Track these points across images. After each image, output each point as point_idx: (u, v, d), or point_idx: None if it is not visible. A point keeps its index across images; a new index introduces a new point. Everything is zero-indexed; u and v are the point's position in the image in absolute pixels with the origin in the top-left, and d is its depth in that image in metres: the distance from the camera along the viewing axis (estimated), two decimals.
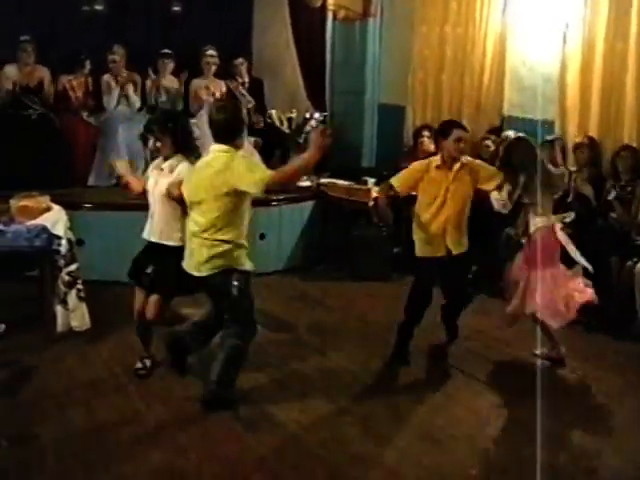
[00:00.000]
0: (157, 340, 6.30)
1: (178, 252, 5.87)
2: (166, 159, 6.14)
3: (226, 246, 5.58)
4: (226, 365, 5.70)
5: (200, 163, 5.79)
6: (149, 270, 6.14)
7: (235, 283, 5.63)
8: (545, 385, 5.94)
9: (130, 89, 10.55)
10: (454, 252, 6.58)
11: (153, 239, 6.20)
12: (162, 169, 6.14)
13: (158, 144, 6.10)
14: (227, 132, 5.63)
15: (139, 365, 6.35)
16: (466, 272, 7.15)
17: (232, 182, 5.41)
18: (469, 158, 6.72)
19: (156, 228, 6.17)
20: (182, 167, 6.03)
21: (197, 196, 5.60)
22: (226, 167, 5.45)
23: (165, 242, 6.12)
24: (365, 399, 6.02)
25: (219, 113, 5.67)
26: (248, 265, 5.75)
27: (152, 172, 6.28)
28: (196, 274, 5.68)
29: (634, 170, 8.07)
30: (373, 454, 5.18)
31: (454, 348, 7.02)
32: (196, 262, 5.65)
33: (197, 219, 5.62)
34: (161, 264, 6.09)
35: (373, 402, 5.97)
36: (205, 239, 5.57)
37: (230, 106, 5.98)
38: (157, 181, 6.13)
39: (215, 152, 5.63)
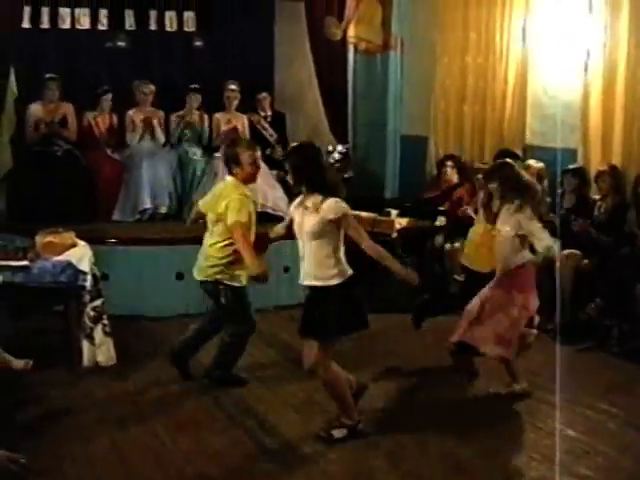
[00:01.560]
0: None
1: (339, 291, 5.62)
2: (308, 196, 5.63)
3: (219, 262, 6.41)
4: (222, 350, 6.68)
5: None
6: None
7: (223, 294, 6.45)
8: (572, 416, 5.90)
9: (155, 125, 10.64)
10: None
11: (307, 282, 5.71)
12: (307, 207, 5.60)
13: (289, 178, 5.79)
14: (229, 165, 6.51)
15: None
16: None
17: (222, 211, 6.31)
18: None
19: (308, 270, 5.66)
20: (329, 203, 5.51)
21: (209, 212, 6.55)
22: (227, 196, 6.32)
23: (322, 284, 5.63)
24: (392, 431, 5.97)
25: (227, 148, 6.68)
26: (237, 282, 6.46)
27: (296, 209, 5.78)
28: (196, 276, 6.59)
29: None
30: None
31: (480, 378, 6.99)
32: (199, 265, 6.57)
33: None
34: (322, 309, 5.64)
35: (400, 434, 5.92)
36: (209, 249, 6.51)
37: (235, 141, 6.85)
38: (303, 221, 5.63)
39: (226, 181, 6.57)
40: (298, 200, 5.75)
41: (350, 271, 5.71)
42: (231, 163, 6.48)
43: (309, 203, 5.56)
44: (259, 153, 6.73)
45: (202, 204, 6.69)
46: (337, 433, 5.74)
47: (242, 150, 6.47)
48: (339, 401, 5.81)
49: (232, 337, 6.64)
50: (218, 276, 6.43)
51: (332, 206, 5.48)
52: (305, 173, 5.59)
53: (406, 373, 7.18)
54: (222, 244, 6.40)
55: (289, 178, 5.75)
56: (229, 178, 6.51)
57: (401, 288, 9.21)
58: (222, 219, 6.31)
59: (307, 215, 5.56)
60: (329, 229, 5.52)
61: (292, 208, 5.86)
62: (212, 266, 6.44)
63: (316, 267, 5.59)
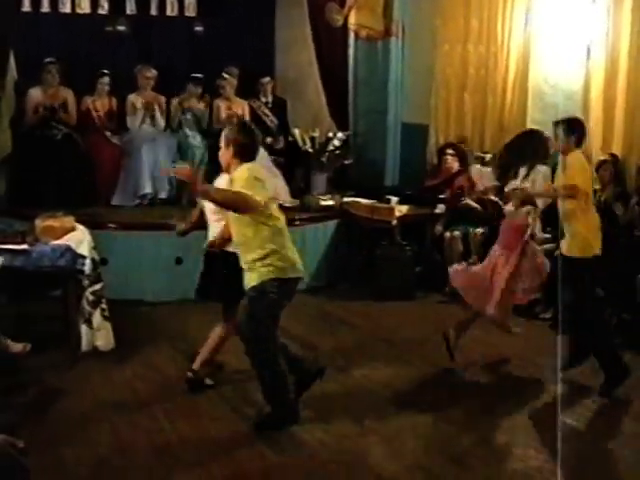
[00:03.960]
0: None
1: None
2: None
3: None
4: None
5: None
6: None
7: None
8: (569, 405, 5.91)
9: (156, 109, 10.62)
10: None
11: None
12: None
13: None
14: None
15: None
16: None
17: None
18: None
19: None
20: None
21: None
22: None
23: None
24: (390, 419, 5.97)
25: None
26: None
27: None
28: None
29: None
30: (399, 475, 5.13)
31: (482, 367, 7.00)
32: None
33: None
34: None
35: (398, 422, 5.93)
36: None
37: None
38: None
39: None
40: None
41: None
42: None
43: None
44: None
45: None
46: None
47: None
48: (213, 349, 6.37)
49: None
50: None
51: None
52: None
53: (404, 361, 7.17)
54: None
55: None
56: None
57: (400, 275, 9.33)
58: None
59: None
60: None
61: None
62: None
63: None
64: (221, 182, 5.90)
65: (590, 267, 6.43)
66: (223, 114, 10.78)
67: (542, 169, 7.23)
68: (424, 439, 5.66)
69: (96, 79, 10.42)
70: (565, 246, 6.44)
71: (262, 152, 10.38)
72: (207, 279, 6.33)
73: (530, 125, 9.67)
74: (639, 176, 8.19)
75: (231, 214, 5.54)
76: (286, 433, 5.66)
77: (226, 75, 10.89)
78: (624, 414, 6.18)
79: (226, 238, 5.97)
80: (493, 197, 8.84)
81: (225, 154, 5.69)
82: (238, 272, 5.69)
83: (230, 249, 5.96)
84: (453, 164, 10.03)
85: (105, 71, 10.48)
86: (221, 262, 6.12)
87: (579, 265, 6.34)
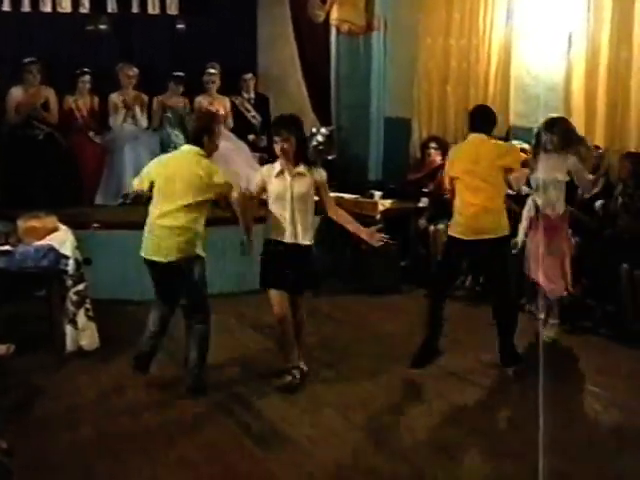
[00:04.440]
0: None
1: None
2: (296, 164, 6.28)
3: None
4: (201, 351, 6.27)
5: None
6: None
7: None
8: (556, 396, 5.92)
9: (137, 108, 10.60)
10: None
11: (291, 241, 6.31)
12: (298, 173, 6.26)
13: (285, 145, 6.21)
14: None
15: (288, 378, 6.32)
16: None
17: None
18: None
19: (299, 230, 6.30)
20: (319, 170, 6.44)
21: None
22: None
23: (306, 242, 6.35)
24: (378, 413, 5.98)
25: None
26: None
27: (276, 178, 6.32)
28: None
29: (637, 177, 8.04)
30: (387, 469, 5.14)
31: (468, 360, 7.01)
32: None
33: None
34: (306, 264, 6.40)
35: (386, 416, 5.94)
36: None
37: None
38: (292, 184, 6.25)
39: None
40: (275, 170, 6.33)
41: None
42: (204, 134, 6.33)
43: (300, 169, 6.27)
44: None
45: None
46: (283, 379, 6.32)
47: (218, 125, 6.67)
48: (288, 347, 6.38)
49: (204, 334, 6.42)
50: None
51: (321, 172, 6.36)
52: (299, 143, 6.27)
53: (390, 355, 7.17)
54: None
55: (278, 146, 6.24)
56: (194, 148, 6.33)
57: (386, 270, 9.34)
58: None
59: (297, 180, 6.24)
60: (312, 193, 6.33)
61: (266, 177, 6.38)
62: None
63: (304, 227, 6.31)
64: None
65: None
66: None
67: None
68: (412, 433, 5.66)
69: (77, 78, 10.38)
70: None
71: (242, 145, 10.46)
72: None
73: (512, 117, 9.70)
74: (622, 166, 8.19)
75: None
76: (274, 430, 5.66)
77: (213, 70, 10.86)
78: (609, 405, 6.21)
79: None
80: None
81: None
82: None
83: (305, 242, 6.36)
84: (436, 157, 10.03)
85: (86, 70, 10.45)
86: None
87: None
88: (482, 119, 6.95)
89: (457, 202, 6.83)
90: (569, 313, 7.80)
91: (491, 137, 6.92)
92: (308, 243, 6.33)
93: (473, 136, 6.89)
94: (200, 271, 6.22)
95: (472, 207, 6.68)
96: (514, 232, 7.30)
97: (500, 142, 7.28)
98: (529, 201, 7.50)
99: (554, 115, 7.63)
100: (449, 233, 6.99)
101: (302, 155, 6.31)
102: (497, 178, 6.69)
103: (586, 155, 7.48)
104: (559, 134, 7.17)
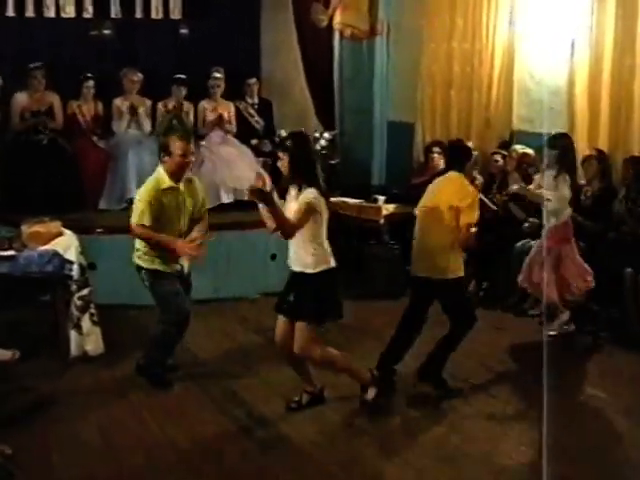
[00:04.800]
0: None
1: (315, 278, 5.77)
2: (294, 184, 5.84)
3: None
4: (151, 345, 6.58)
5: None
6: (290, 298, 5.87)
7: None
8: (559, 400, 5.91)
9: (141, 113, 10.61)
10: None
11: (290, 266, 5.90)
12: (291, 194, 5.86)
13: (279, 164, 5.88)
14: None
15: (295, 399, 6.15)
16: None
17: None
18: None
19: (291, 255, 5.85)
20: (305, 193, 5.70)
21: None
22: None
23: (297, 269, 5.85)
24: (381, 418, 5.99)
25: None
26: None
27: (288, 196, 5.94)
28: None
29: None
30: (390, 474, 5.15)
31: (470, 364, 7.00)
32: None
33: None
34: (300, 292, 5.83)
35: (389, 421, 5.94)
36: None
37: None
38: (287, 207, 5.82)
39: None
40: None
41: (332, 262, 5.89)
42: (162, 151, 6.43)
43: (293, 191, 5.81)
44: (192, 146, 6.56)
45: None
46: (368, 395, 6.09)
47: (174, 139, 6.39)
48: (344, 372, 6.15)
49: (157, 331, 6.64)
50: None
51: (307, 194, 5.67)
52: (294, 160, 5.74)
53: None
54: None
55: (281, 165, 5.83)
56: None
57: (389, 274, 9.34)
58: None
59: (290, 203, 5.81)
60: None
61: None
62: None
63: (296, 253, 5.82)
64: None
65: None
66: (209, 116, 10.77)
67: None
68: (415, 438, 5.67)
69: (81, 83, 10.39)
70: None
71: (246, 150, 10.46)
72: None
73: (516, 121, 9.70)
74: (625, 171, 8.19)
75: None
76: (276, 433, 5.67)
77: (218, 75, 10.87)
78: (612, 409, 6.20)
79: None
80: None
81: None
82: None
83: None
84: (439, 162, 10.02)
85: (90, 75, 10.44)
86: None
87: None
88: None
89: None
90: (573, 317, 7.81)
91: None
92: (299, 270, 5.79)
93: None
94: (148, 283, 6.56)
95: None
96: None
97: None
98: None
99: (560, 131, 7.66)
100: None
101: (298, 174, 5.77)
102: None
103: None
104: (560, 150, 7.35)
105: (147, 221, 6.29)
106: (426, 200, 6.55)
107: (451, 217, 6.26)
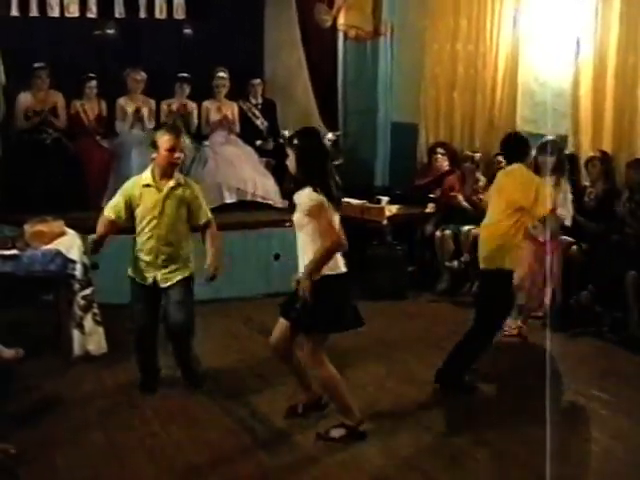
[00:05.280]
0: None
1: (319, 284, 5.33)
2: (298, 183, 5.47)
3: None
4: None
5: None
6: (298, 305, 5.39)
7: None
8: (562, 401, 5.91)
9: (145, 113, 10.61)
10: None
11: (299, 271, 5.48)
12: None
13: (287, 162, 5.54)
14: None
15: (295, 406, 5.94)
16: None
17: None
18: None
19: (299, 263, 5.48)
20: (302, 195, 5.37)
21: None
22: None
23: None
24: (384, 419, 5.97)
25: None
26: None
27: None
28: None
29: None
30: (395, 476, 5.14)
31: (477, 366, 7.01)
32: None
33: None
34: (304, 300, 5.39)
35: (392, 422, 5.92)
36: None
37: None
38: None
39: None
40: None
41: (342, 268, 5.47)
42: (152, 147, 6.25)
43: (296, 195, 5.42)
44: (181, 142, 6.26)
45: None
46: (335, 432, 5.54)
47: (162, 133, 6.16)
48: (337, 400, 5.63)
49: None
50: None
51: (303, 198, 5.34)
52: (300, 159, 5.40)
53: (396, 360, 7.17)
54: None
55: (290, 164, 5.48)
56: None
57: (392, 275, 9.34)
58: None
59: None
60: (307, 221, 5.35)
61: None
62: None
63: (300, 257, 5.48)
64: None
65: None
66: (213, 116, 10.78)
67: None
68: (419, 439, 5.65)
69: (83, 83, 10.40)
70: None
71: (249, 150, 10.45)
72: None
73: (520, 123, 9.70)
74: (629, 172, 8.19)
75: None
76: (280, 436, 5.66)
77: (223, 74, 10.87)
78: (616, 411, 6.19)
79: None
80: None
81: None
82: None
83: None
84: (443, 163, 10.05)
85: (92, 74, 10.45)
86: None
87: None
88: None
89: None
90: (577, 319, 7.82)
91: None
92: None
93: None
94: None
95: None
96: None
97: None
98: None
99: (549, 137, 7.57)
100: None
101: (304, 173, 5.41)
102: None
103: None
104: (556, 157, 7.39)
105: (109, 211, 6.23)
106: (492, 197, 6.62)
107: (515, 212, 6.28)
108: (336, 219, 5.41)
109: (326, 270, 5.34)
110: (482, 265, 6.49)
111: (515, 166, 6.49)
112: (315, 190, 5.27)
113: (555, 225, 6.93)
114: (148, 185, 6.12)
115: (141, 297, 6.31)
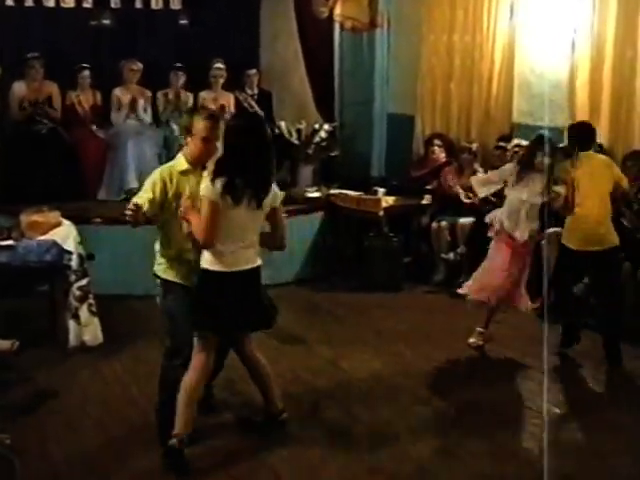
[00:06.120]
0: None
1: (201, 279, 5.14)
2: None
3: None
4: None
5: None
6: None
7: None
8: (559, 395, 5.92)
9: (141, 103, 10.59)
10: None
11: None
12: None
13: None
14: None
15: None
16: None
17: None
18: None
19: None
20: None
21: None
22: None
23: None
24: (380, 410, 5.97)
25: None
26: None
27: None
28: None
29: None
30: (390, 467, 5.14)
31: (471, 358, 7.02)
32: None
33: None
34: None
35: (388, 413, 5.93)
36: None
37: None
38: None
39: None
40: None
41: (225, 267, 5.08)
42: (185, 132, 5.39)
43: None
44: (219, 132, 5.25)
45: None
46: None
47: (199, 119, 5.26)
48: (178, 408, 5.08)
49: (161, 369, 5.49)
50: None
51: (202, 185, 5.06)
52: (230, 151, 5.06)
53: (392, 352, 7.17)
54: None
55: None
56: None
57: (388, 266, 9.34)
58: None
59: None
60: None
61: None
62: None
63: None
64: None
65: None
66: (210, 107, 10.75)
67: None
68: (415, 430, 5.66)
69: (76, 73, 10.38)
70: None
71: None
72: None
73: (516, 115, 9.69)
74: (625, 165, 8.17)
75: None
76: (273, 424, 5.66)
77: (220, 65, 10.86)
78: (610, 402, 6.21)
79: None
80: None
81: None
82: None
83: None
84: (440, 155, 10.04)
85: (85, 65, 10.45)
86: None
87: None
88: None
89: None
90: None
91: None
92: None
93: None
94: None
95: None
96: None
97: None
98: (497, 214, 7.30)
99: (543, 132, 7.51)
100: None
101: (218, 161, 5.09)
102: None
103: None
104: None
105: (146, 206, 5.12)
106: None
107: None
108: (234, 216, 5.01)
109: (204, 264, 5.10)
110: (597, 247, 6.83)
111: (592, 152, 7.09)
112: (212, 181, 4.94)
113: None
114: (185, 172, 5.29)
115: (183, 304, 5.26)
